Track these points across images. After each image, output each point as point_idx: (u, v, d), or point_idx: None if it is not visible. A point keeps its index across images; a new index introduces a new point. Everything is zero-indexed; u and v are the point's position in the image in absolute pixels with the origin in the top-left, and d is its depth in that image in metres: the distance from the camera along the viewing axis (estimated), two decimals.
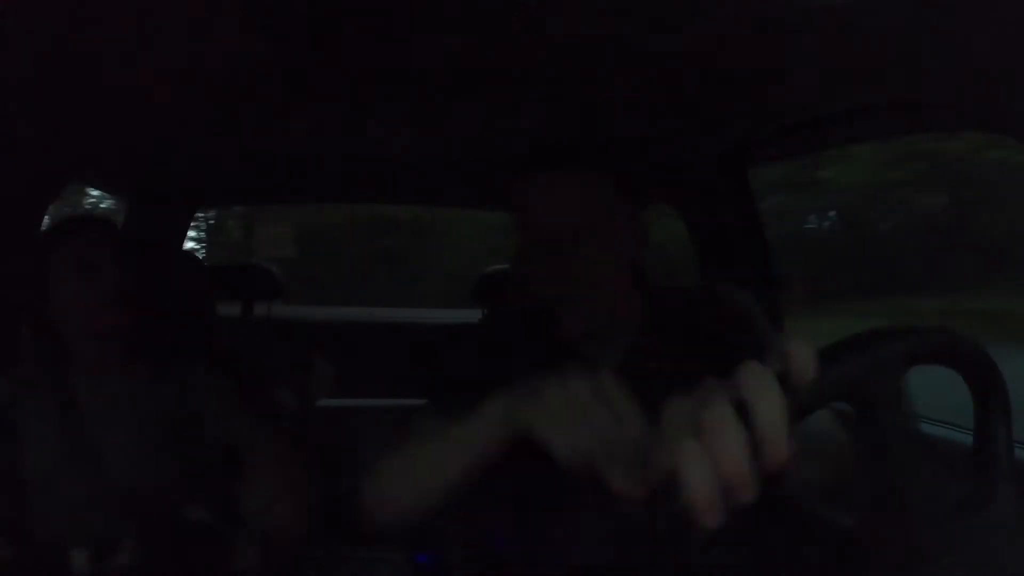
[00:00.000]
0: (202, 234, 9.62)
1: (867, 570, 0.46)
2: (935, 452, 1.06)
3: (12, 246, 1.28)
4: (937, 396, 0.86)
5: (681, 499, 0.41)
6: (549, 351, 0.92)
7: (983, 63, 0.74)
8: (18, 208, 1.30)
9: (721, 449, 0.41)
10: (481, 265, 2.83)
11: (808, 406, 0.43)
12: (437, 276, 9.60)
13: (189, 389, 1.12)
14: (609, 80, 1.02)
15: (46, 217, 1.42)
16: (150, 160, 1.52)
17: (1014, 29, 0.68)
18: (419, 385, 1.49)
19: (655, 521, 0.44)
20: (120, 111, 1.16)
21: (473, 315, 2.45)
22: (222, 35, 0.86)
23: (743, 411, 0.41)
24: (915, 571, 0.43)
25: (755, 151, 1.35)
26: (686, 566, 0.51)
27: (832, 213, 9.01)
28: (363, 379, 2.24)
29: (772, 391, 0.42)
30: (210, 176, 1.76)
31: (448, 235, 10.16)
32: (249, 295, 2.17)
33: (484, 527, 1.05)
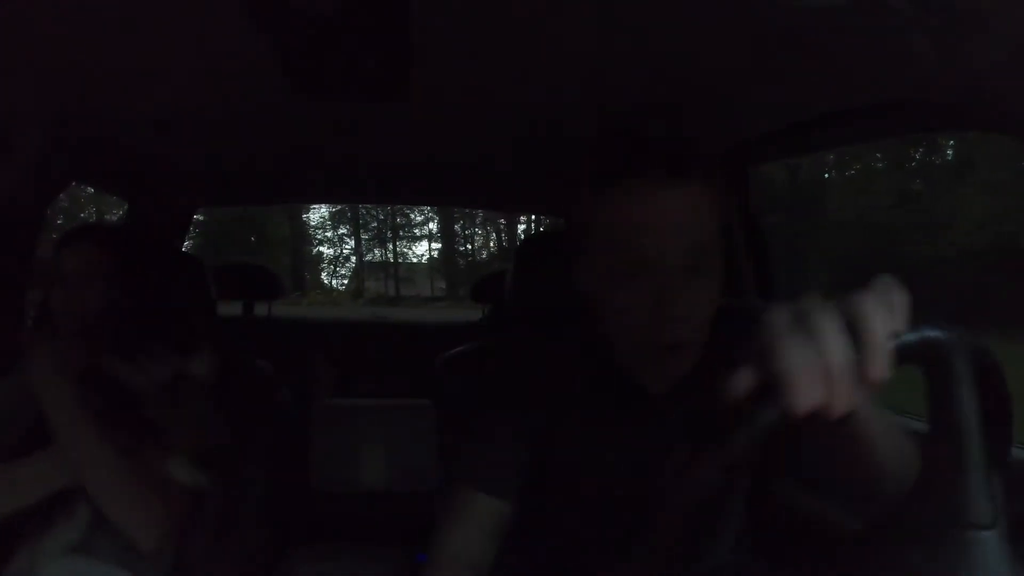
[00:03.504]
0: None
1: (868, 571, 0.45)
2: None
3: (12, 246, 1.28)
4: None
5: (779, 406, 0.42)
6: (589, 374, 0.84)
7: (983, 63, 0.74)
8: (18, 208, 1.30)
9: (828, 351, 0.41)
10: None
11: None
12: None
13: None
14: (609, 80, 1.02)
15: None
16: (150, 160, 1.52)
17: (1013, 29, 0.68)
18: (419, 385, 1.48)
19: (744, 431, 0.42)
20: (120, 111, 1.16)
21: (473, 314, 2.46)
22: (223, 36, 0.86)
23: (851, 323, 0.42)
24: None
25: (755, 151, 1.35)
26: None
27: None
28: (363, 379, 2.24)
29: (886, 308, 0.42)
30: (210, 176, 1.76)
31: None
32: (249, 295, 2.17)
33: None
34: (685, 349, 0.74)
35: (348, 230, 22.88)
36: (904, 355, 0.43)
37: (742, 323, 0.82)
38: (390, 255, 22.98)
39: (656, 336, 0.72)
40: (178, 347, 1.16)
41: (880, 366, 0.42)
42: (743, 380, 0.44)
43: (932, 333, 0.43)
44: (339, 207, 20.86)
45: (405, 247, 23.37)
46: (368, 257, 23.09)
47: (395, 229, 22.87)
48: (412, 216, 22.72)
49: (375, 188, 2.13)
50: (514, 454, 0.82)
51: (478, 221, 22.76)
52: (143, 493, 0.98)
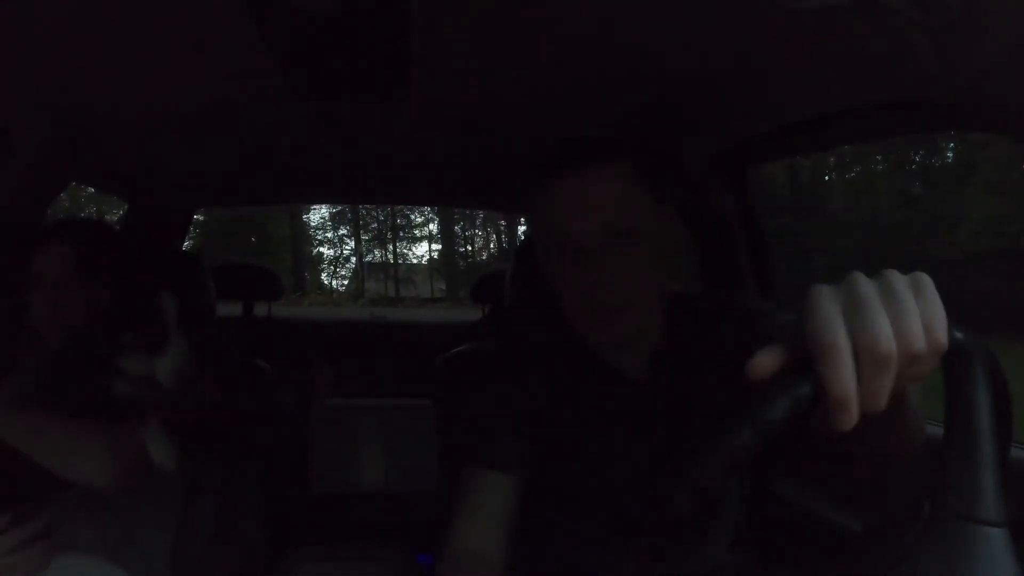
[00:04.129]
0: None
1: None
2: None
3: (12, 246, 1.28)
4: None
5: (812, 392, 0.40)
6: (572, 363, 0.88)
7: (983, 63, 0.74)
8: (18, 208, 1.31)
9: (877, 325, 0.40)
10: None
11: None
12: None
13: None
14: (609, 80, 1.02)
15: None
16: (150, 160, 1.52)
17: (1013, 29, 0.68)
18: (419, 385, 1.48)
19: (771, 420, 0.40)
20: (120, 111, 1.16)
21: (472, 314, 2.46)
22: (223, 36, 0.86)
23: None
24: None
25: (754, 150, 1.35)
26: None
27: None
28: (363, 379, 2.25)
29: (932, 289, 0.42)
30: (210, 176, 1.76)
31: None
32: (249, 295, 2.17)
33: None
34: (620, 313, 0.80)
35: (348, 231, 22.90)
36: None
37: (700, 314, 0.90)
38: (390, 256, 22.99)
39: (589, 302, 0.80)
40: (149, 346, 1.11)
41: (940, 336, 0.41)
42: (770, 359, 0.42)
43: (957, 333, 0.44)
44: (339, 208, 20.86)
45: (405, 248, 23.39)
46: (368, 258, 23.10)
47: (395, 230, 22.87)
48: (412, 217, 22.73)
49: (375, 188, 2.13)
50: (517, 433, 0.84)
51: (478, 223, 22.76)
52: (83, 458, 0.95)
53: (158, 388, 1.04)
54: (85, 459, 0.94)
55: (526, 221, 0.92)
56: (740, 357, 0.90)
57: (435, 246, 23.48)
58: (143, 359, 1.05)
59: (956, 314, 0.44)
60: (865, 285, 0.42)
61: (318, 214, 22.72)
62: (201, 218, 16.94)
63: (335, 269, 23.03)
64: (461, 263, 22.68)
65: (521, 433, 0.84)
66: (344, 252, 23.04)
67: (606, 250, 0.78)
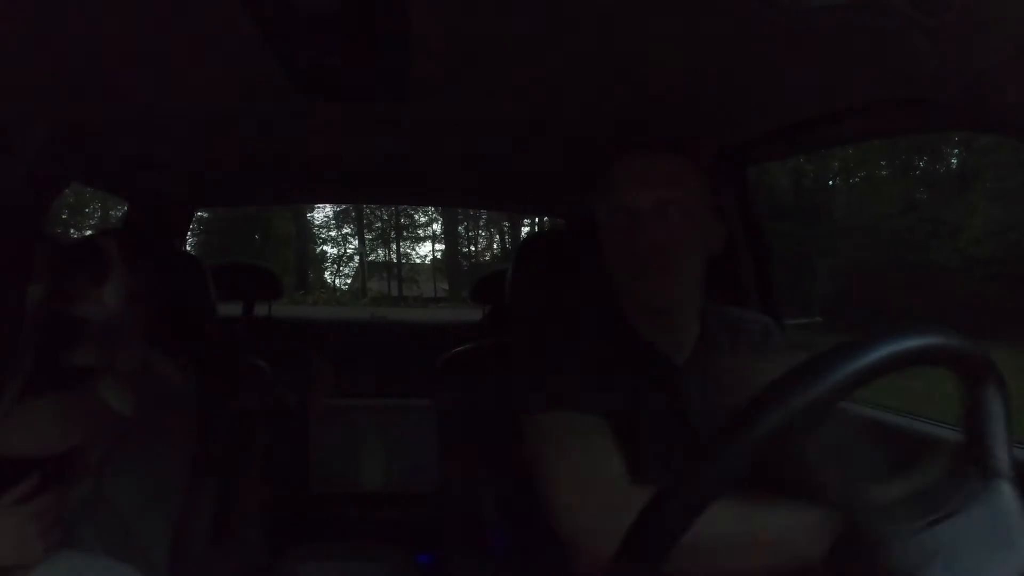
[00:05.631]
0: None
1: None
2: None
3: (12, 245, 1.29)
4: None
5: None
6: (625, 347, 0.96)
7: (984, 63, 0.74)
8: (18, 207, 1.31)
9: None
10: None
11: None
12: None
13: None
14: (609, 80, 1.02)
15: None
16: (150, 160, 1.52)
17: (1014, 29, 0.68)
18: (419, 385, 1.48)
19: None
20: (120, 111, 1.17)
21: (475, 315, 2.46)
22: (223, 36, 0.86)
23: None
24: None
25: (755, 150, 1.35)
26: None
27: None
28: (363, 379, 2.25)
29: None
30: (210, 176, 1.76)
31: None
32: (248, 295, 2.17)
33: (484, 527, 1.06)
34: (661, 272, 0.91)
35: (352, 229, 22.88)
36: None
37: (731, 323, 1.01)
38: (393, 255, 22.97)
39: (635, 253, 0.91)
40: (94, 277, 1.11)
41: None
42: None
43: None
44: (343, 207, 20.84)
45: (408, 248, 23.35)
46: (371, 257, 23.07)
47: (399, 229, 22.83)
48: (416, 217, 22.69)
49: (375, 189, 2.13)
50: (583, 377, 0.90)
51: (481, 223, 22.73)
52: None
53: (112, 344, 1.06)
54: (50, 431, 0.96)
55: (597, 202, 1.00)
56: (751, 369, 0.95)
57: (439, 246, 23.44)
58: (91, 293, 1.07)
59: (957, 319, 0.47)
60: None
61: (322, 213, 22.66)
62: (205, 215, 16.90)
63: (338, 268, 23.03)
64: (464, 264, 22.65)
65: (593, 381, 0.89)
66: (347, 251, 23.04)
67: (652, 215, 0.91)
